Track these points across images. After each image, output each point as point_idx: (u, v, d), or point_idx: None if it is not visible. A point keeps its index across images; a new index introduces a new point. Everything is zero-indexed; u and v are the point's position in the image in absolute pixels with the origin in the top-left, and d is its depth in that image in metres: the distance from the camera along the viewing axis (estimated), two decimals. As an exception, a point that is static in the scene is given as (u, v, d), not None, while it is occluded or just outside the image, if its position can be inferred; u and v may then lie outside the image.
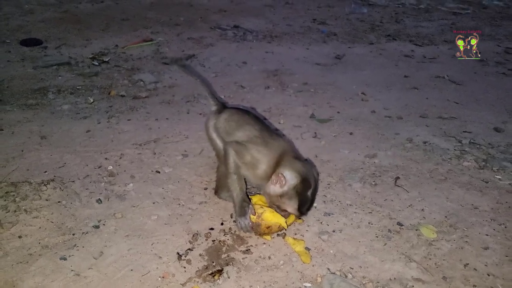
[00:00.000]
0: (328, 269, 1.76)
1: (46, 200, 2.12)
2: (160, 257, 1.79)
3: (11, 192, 2.16)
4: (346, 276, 1.73)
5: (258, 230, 1.88)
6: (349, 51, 4.88)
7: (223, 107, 2.28)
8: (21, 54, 4.27)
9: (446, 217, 2.11)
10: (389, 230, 2.00)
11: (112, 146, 2.66)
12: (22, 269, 1.70)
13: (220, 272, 1.72)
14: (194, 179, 2.36)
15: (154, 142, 2.73)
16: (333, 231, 1.98)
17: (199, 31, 5.38)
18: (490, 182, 2.41)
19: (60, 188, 2.22)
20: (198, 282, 1.68)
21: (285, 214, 1.89)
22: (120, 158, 2.53)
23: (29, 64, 4.02)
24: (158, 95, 3.50)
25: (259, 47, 4.88)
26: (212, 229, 1.97)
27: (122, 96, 3.45)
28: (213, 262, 1.78)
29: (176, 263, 1.77)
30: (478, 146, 2.81)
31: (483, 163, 2.60)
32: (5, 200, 2.10)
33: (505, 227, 2.05)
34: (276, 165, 1.89)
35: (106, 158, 2.52)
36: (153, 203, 2.15)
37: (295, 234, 1.96)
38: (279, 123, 3.08)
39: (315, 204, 2.15)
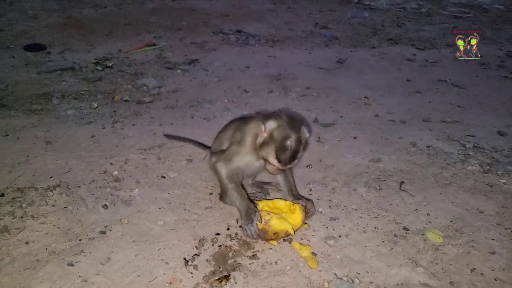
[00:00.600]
0: (335, 274, 1.76)
1: (53, 205, 2.13)
2: (167, 262, 1.80)
3: (17, 198, 2.17)
4: (353, 281, 1.73)
5: (265, 236, 1.88)
6: (351, 55, 4.90)
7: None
8: (25, 59, 4.29)
9: (451, 221, 2.11)
10: (395, 235, 2.00)
11: (117, 151, 2.67)
12: (30, 275, 1.70)
13: (227, 277, 1.72)
14: (199, 184, 2.36)
15: (158, 147, 2.74)
16: (339, 236, 1.98)
17: (202, 35, 5.41)
18: (495, 186, 2.42)
19: (66, 193, 2.23)
20: (205, 287, 1.68)
21: (271, 168, 1.92)
22: (125, 163, 2.54)
23: (33, 69, 4.04)
24: (162, 100, 3.52)
25: (261, 52, 4.90)
26: (218, 234, 1.97)
27: (126, 101, 3.47)
28: (220, 268, 1.78)
29: (183, 268, 1.77)
30: (482, 150, 2.81)
31: (488, 167, 2.60)
32: (11, 206, 2.10)
33: (511, 232, 2.05)
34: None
35: (111, 163, 2.52)
36: (159, 208, 2.15)
37: (302, 239, 1.96)
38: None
39: (320, 209, 2.15)
